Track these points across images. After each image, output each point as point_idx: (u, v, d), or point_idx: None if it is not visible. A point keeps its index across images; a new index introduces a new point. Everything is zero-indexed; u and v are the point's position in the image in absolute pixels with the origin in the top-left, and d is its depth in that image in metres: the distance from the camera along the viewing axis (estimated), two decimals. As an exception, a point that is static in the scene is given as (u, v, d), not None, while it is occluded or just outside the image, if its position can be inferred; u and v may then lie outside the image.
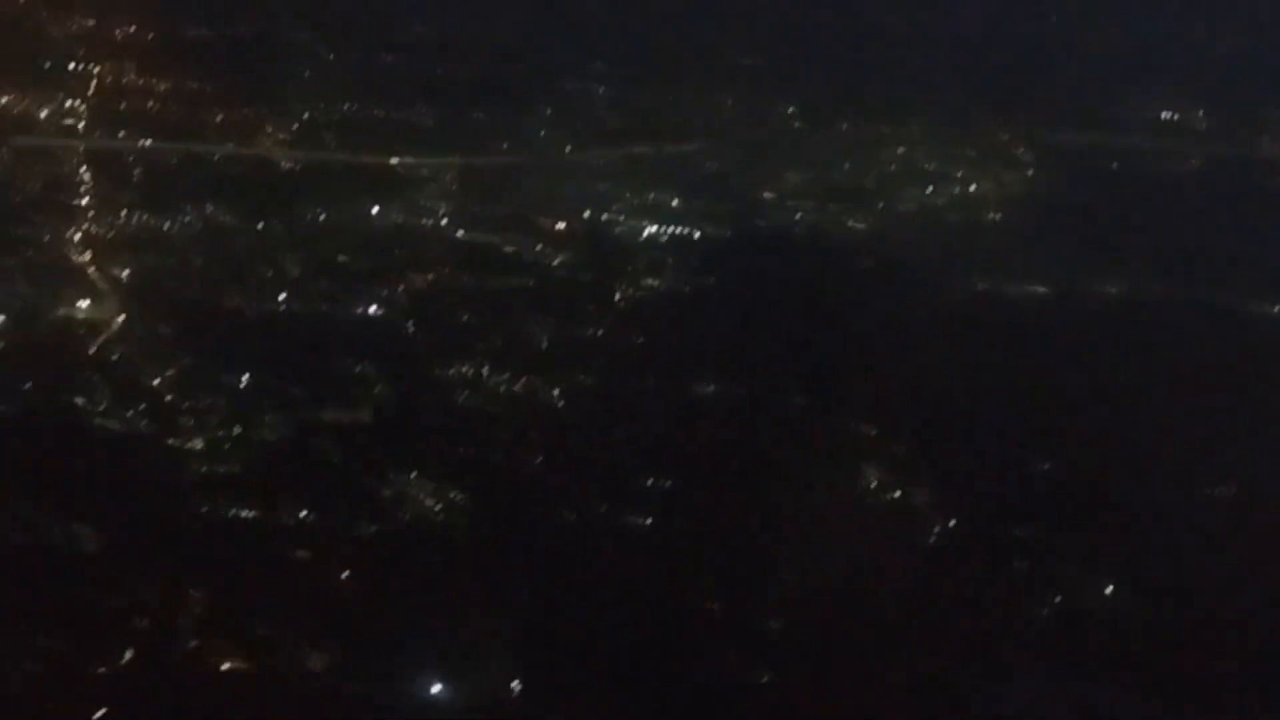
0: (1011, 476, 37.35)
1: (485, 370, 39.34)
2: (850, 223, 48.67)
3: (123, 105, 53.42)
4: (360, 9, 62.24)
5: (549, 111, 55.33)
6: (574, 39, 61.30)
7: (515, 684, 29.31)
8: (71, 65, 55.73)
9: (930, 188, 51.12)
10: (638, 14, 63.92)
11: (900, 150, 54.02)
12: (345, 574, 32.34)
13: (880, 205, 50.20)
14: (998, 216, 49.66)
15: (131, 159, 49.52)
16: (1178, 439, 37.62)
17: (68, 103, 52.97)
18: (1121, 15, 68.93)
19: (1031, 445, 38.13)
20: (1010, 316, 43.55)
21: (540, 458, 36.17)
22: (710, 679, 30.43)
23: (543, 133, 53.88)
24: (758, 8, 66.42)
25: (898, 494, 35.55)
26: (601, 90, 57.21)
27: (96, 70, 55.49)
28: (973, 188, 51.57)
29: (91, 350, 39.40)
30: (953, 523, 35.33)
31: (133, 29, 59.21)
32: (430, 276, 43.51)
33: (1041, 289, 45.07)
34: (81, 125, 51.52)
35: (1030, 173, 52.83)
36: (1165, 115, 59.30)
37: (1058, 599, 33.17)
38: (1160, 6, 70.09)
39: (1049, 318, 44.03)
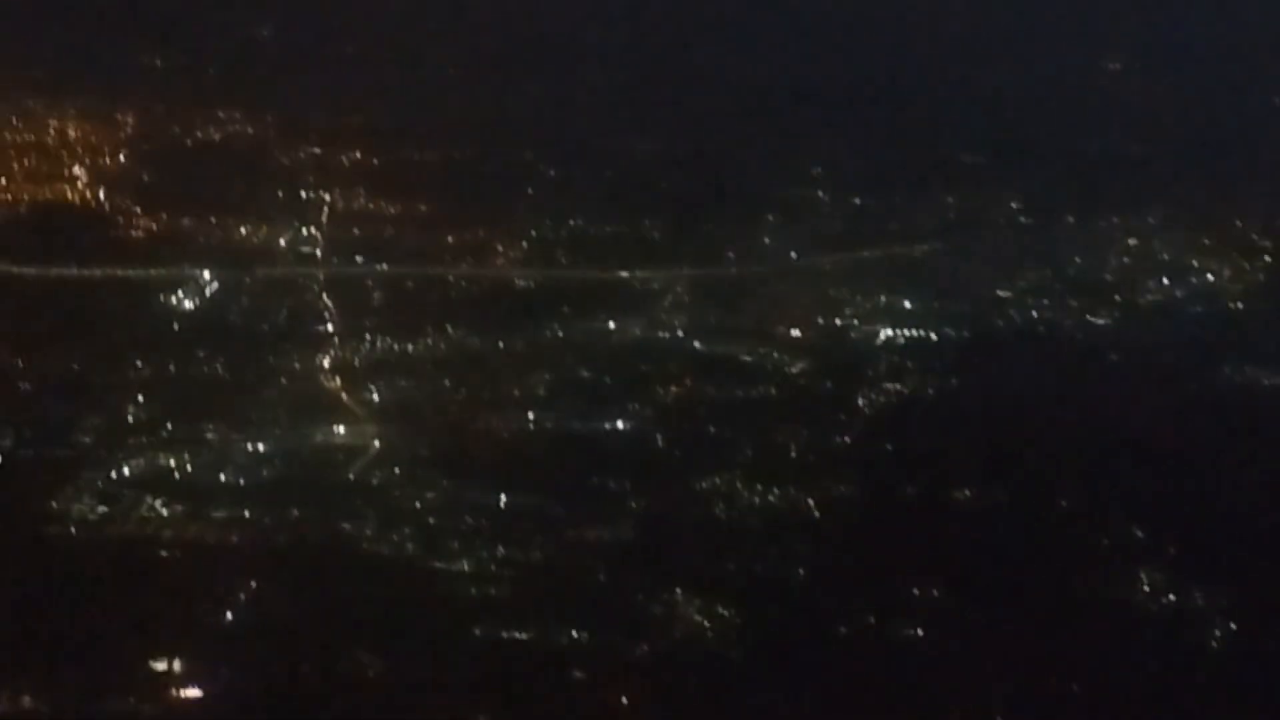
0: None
1: (739, 482, 38.37)
2: (1091, 318, 47.54)
3: (356, 231, 53.83)
4: (583, 127, 61.73)
5: (773, 219, 54.71)
6: (793, 146, 60.59)
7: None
8: (303, 194, 56.58)
9: (1168, 279, 49.86)
10: (854, 118, 63.12)
11: (1133, 242, 53.20)
12: (623, 696, 31.37)
13: (1119, 299, 49.08)
14: (1241, 306, 48.69)
15: (370, 284, 49.52)
16: None
17: (303, 231, 53.40)
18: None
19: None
20: (1269, 408, 41.82)
21: (803, 570, 35.38)
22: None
23: (768, 240, 53.62)
24: (975, 102, 64.83)
25: (1172, 597, 33.86)
26: (823, 195, 56.77)
27: (328, 198, 56.06)
28: (1211, 277, 50.39)
29: (352, 475, 38.57)
30: (1233, 625, 33.32)
31: (358, 154, 59.97)
32: (674, 389, 43.33)
33: (1295, 378, 43.14)
34: (319, 253, 52.05)
35: (1269, 259, 51.33)
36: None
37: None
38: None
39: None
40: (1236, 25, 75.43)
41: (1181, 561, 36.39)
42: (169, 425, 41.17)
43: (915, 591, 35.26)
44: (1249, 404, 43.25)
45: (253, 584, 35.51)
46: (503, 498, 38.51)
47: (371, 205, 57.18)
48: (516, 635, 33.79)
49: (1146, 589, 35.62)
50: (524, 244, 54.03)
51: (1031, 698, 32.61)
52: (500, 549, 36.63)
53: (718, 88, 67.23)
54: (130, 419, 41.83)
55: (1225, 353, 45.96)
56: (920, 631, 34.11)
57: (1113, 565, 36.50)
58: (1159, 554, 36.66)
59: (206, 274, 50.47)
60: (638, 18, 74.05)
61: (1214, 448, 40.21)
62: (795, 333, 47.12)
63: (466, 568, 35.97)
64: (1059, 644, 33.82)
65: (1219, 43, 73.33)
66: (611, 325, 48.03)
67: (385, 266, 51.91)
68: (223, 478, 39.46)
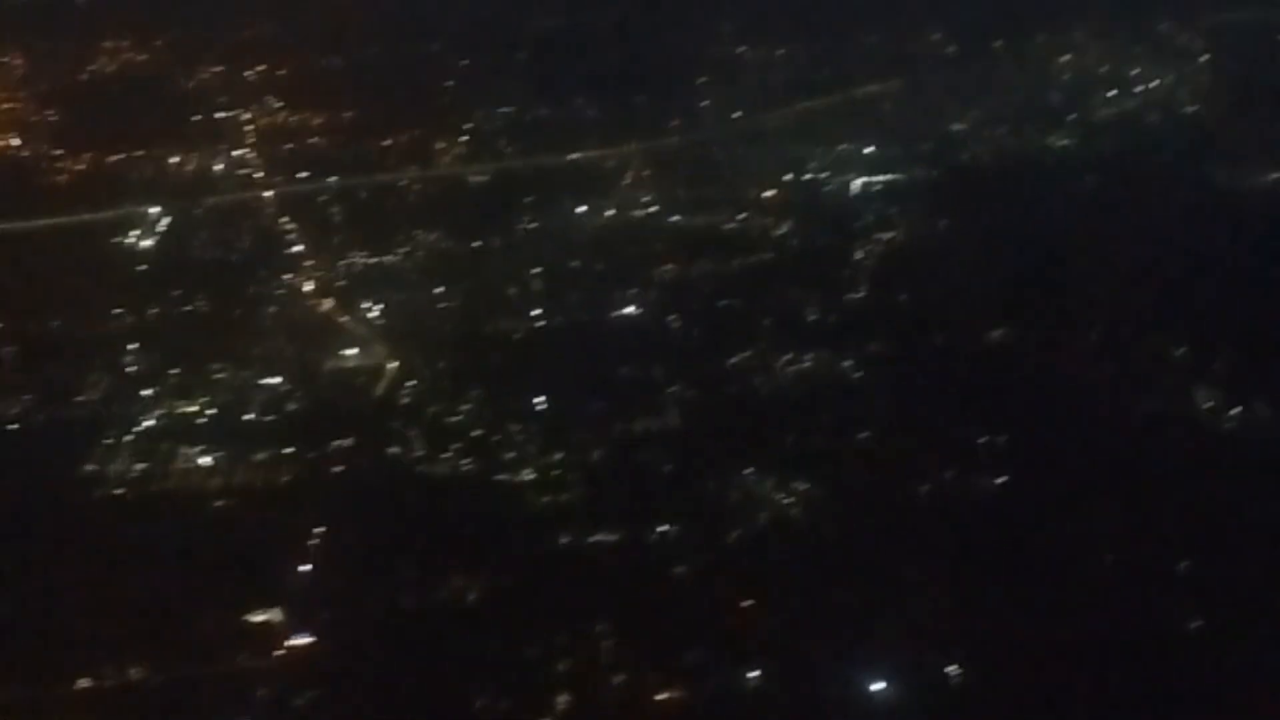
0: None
1: (767, 354, 37.80)
2: (1052, 141, 47.39)
3: (288, 146, 52.75)
4: (483, 11, 60.32)
5: (704, 82, 53.82)
6: (701, 5, 59.18)
7: (953, 669, 28.05)
8: (218, 115, 54.41)
9: (1114, 91, 49.87)
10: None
11: (1066, 59, 52.69)
12: (730, 585, 30.97)
13: (1073, 118, 48.82)
14: (1195, 109, 48.34)
15: (324, 199, 48.04)
16: None
17: (234, 153, 51.85)
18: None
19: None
20: (1262, 207, 41.93)
21: (864, 433, 34.99)
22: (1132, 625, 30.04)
23: (705, 103, 52.77)
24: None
25: (1238, 409, 33.94)
26: (746, 51, 55.93)
27: (245, 116, 54.35)
28: (1155, 84, 50.29)
29: (379, 396, 37.69)
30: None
31: (262, 68, 58.05)
32: (670, 267, 43.05)
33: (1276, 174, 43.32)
34: (259, 175, 50.60)
35: (1206, 59, 51.43)
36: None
37: None
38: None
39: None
40: None
41: (1235, 375, 35.36)
42: (174, 371, 39.97)
43: (981, 441, 34.52)
44: (1240, 205, 43.14)
45: (322, 524, 33.50)
46: (539, 401, 37.15)
47: (294, 118, 56.06)
48: (604, 539, 32.96)
49: (1209, 405, 34.47)
50: (463, 139, 52.98)
51: (1125, 525, 31.75)
52: (557, 453, 35.42)
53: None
54: (132, 370, 39.92)
55: (1199, 158, 45.97)
56: (999, 480, 32.99)
57: (1167, 387, 35.61)
58: (1209, 371, 35.77)
59: (155, 210, 48.11)
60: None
61: (1225, 256, 39.97)
62: (768, 194, 46.54)
63: (531, 477, 34.77)
64: (1140, 471, 33.26)
65: None
66: (582, 211, 46.43)
67: (335, 179, 49.73)
68: (249, 417, 38.36)
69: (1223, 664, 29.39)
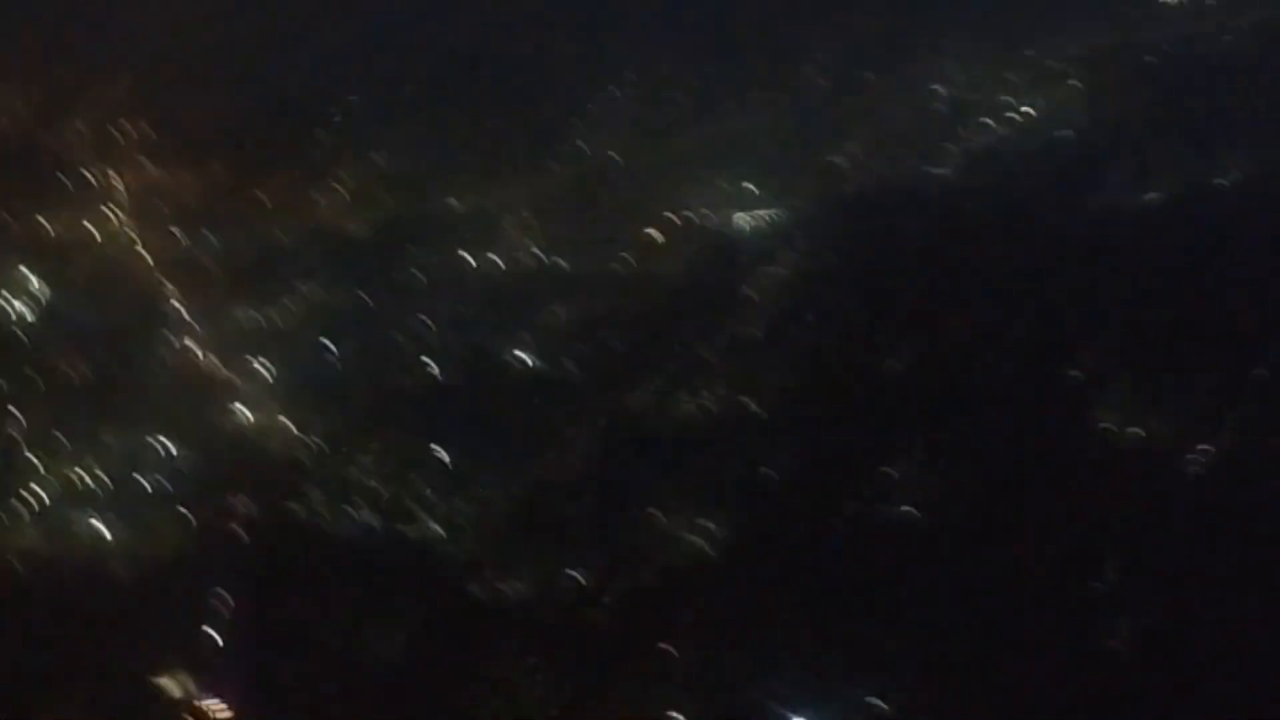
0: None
1: (668, 393, 37.62)
2: (931, 169, 47.45)
3: (161, 204, 51.43)
4: (342, 61, 59.41)
5: (578, 122, 53.32)
6: (564, 45, 59.06)
7: (876, 700, 28.05)
8: (86, 174, 53.26)
9: (989, 119, 49.98)
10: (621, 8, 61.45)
11: (939, 88, 52.69)
12: (648, 627, 31.10)
13: (950, 147, 48.80)
14: (1068, 135, 48.67)
15: (202, 256, 47.10)
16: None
17: (106, 213, 50.63)
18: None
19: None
20: (1143, 224, 42.74)
21: (771, 469, 35.26)
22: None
23: (582, 144, 52.26)
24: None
25: (1140, 431, 34.21)
26: (617, 90, 55.54)
27: (114, 175, 53.31)
28: (1029, 111, 50.54)
29: (275, 454, 37.14)
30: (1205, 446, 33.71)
31: (127, 125, 56.79)
32: (562, 311, 42.19)
33: (1155, 194, 43.71)
34: (134, 233, 49.32)
35: (1076, 83, 51.75)
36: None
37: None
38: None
39: (1179, 217, 42.77)
40: None
41: (1131, 395, 35.86)
42: (58, 435, 38.69)
43: (890, 471, 34.29)
44: (1121, 229, 43.19)
45: (229, 586, 32.83)
46: (440, 450, 36.51)
47: (164, 175, 54.71)
48: (518, 587, 32.41)
49: (1109, 426, 34.79)
50: (339, 189, 51.93)
51: (1039, 548, 32.07)
52: (463, 504, 34.96)
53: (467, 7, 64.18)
54: (14, 434, 38.75)
55: (1078, 183, 45.53)
56: (911, 509, 32.97)
57: (1068, 409, 35.97)
58: (1107, 392, 36.45)
59: (27, 272, 47.12)
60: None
61: (1109, 278, 39.93)
62: (652, 232, 46.16)
63: (439, 530, 34.32)
64: (1050, 492, 33.59)
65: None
66: (468, 257, 45.99)
67: (212, 235, 48.97)
68: (142, 480, 37.33)
69: (1151, 680, 29.04)
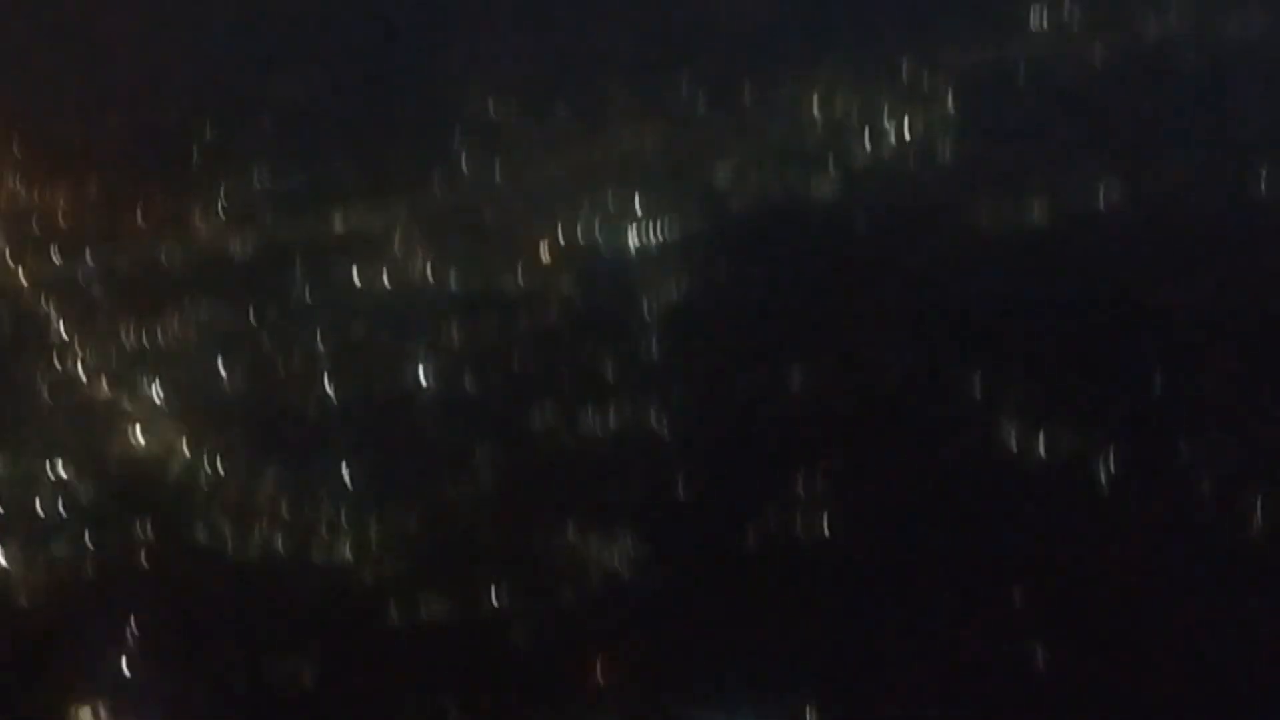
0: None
1: (569, 412, 37.50)
2: (815, 189, 47.71)
3: (34, 223, 50.01)
4: (215, 76, 58.49)
5: (461, 141, 52.82)
6: (436, 62, 58.33)
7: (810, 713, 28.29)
8: (-53, 194, 52.01)
9: (867, 138, 50.40)
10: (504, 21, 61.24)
11: (812, 108, 53.01)
12: (572, 650, 30.87)
13: (832, 165, 49.07)
14: (948, 153, 49.11)
15: (81, 277, 46.18)
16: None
17: (-23, 233, 49.21)
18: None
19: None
20: (1028, 243, 43.30)
21: (681, 488, 34.95)
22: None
23: (463, 162, 51.52)
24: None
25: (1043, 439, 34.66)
26: (497, 108, 55.15)
27: (-21, 194, 51.66)
28: (907, 128, 50.93)
29: (174, 480, 36.61)
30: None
31: (-9, 143, 55.38)
32: (456, 331, 41.89)
33: (1045, 202, 44.44)
34: (6, 253, 48.11)
35: (949, 101, 52.24)
36: (1032, 17, 58.51)
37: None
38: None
39: (1062, 237, 43.38)
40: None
41: (1031, 406, 36.20)
42: (-59, 462, 37.60)
43: (799, 488, 34.36)
44: (1009, 244, 43.58)
45: (137, 616, 32.25)
46: (344, 473, 36.23)
47: (34, 193, 53.27)
48: (436, 610, 32.26)
49: (1015, 436, 35.18)
50: (219, 209, 50.91)
51: (953, 561, 32.18)
52: (372, 527, 34.68)
53: (346, 16, 63.39)
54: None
55: (961, 200, 45.85)
56: (823, 522, 33.22)
57: (971, 422, 36.10)
58: (1008, 404, 36.60)
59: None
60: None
61: (1002, 293, 40.40)
62: (543, 253, 45.93)
63: (349, 553, 33.90)
64: (961, 505, 33.73)
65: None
66: (355, 278, 45.55)
67: (90, 257, 48.03)
68: (39, 508, 36.42)
69: (1069, 692, 29.40)
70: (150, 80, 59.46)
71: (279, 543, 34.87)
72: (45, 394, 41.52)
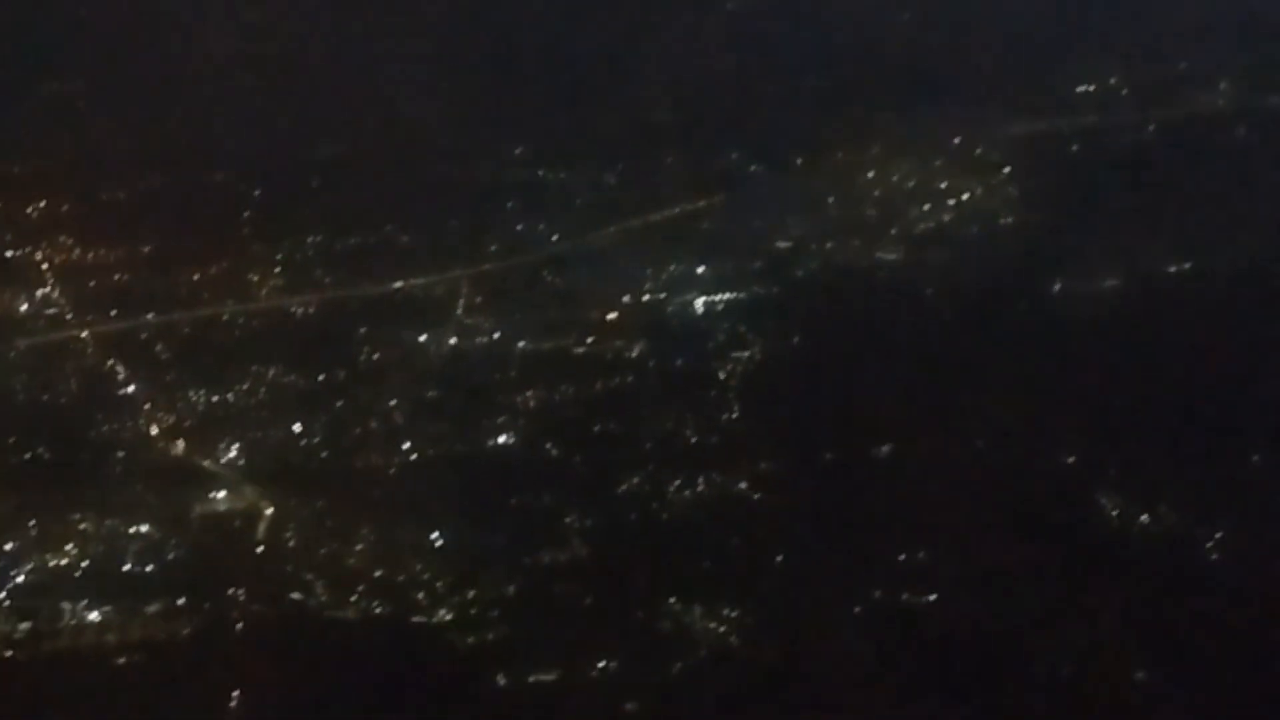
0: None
1: (656, 477, 37.23)
2: (880, 255, 47.77)
3: (91, 284, 50.15)
4: (261, 139, 58.49)
5: (513, 205, 52.80)
6: (489, 127, 58.45)
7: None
8: (8, 254, 51.96)
9: (927, 205, 50.64)
10: (539, 91, 61.23)
11: (869, 175, 53.16)
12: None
13: (894, 232, 49.32)
14: (1011, 220, 49.26)
15: (145, 336, 46.15)
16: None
17: (35, 293, 49.33)
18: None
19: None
20: (1103, 315, 43.05)
21: (780, 555, 34.66)
22: None
23: (519, 228, 51.49)
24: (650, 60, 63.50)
25: (1145, 519, 34.52)
26: (546, 175, 55.18)
27: (36, 254, 51.59)
28: (966, 196, 51.15)
29: (261, 540, 36.29)
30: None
31: (43, 203, 55.39)
32: (532, 394, 41.70)
33: (1112, 281, 44.39)
34: (69, 315, 47.99)
35: (1007, 170, 52.36)
36: (1081, 89, 58.89)
37: None
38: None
39: (1139, 303, 43.55)
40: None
41: (1131, 481, 35.94)
42: (31, 523, 37.21)
43: (901, 557, 34.29)
44: (1085, 313, 43.68)
45: (239, 677, 31.93)
46: (434, 537, 35.96)
47: (89, 254, 53.50)
48: (544, 678, 31.98)
49: (1116, 513, 34.89)
50: (276, 270, 50.93)
51: (1069, 636, 31.90)
52: (469, 591, 34.39)
53: (391, 80, 63.56)
54: (-20, 526, 37.35)
55: (1031, 269, 46.24)
56: (932, 598, 32.87)
57: (1068, 494, 35.92)
58: (1105, 477, 36.38)
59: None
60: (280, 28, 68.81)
61: (1084, 362, 40.51)
62: (611, 316, 45.91)
63: (449, 617, 33.65)
64: (1070, 580, 33.83)
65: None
66: (423, 340, 45.31)
67: (153, 316, 47.76)
68: (128, 568, 36.09)
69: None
70: (187, 143, 59.21)
71: (377, 605, 34.22)
72: (121, 454, 40.95)
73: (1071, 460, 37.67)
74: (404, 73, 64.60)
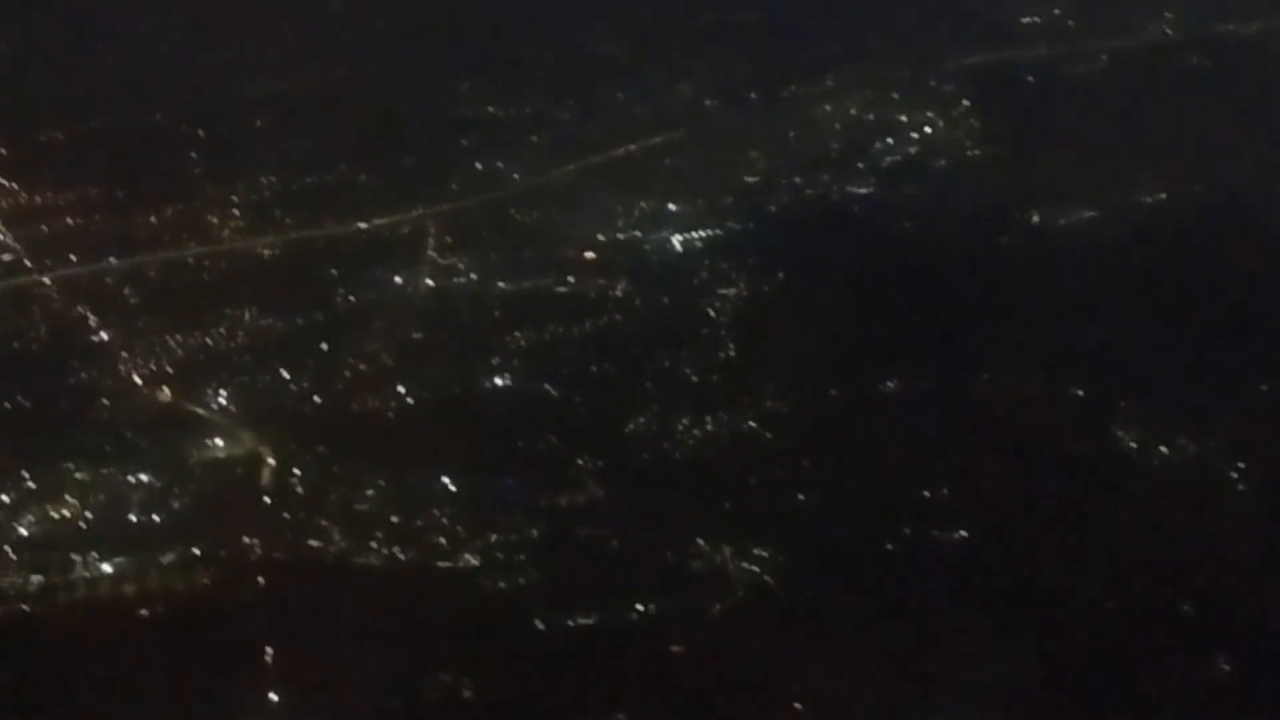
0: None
1: (664, 419, 36.98)
2: (851, 189, 47.45)
3: (44, 228, 48.61)
4: (207, 78, 57.19)
5: (468, 143, 51.88)
6: (440, 67, 57.31)
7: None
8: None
9: (890, 139, 50.46)
10: (488, 31, 60.20)
11: (827, 108, 52.84)
12: (735, 661, 30.61)
13: (861, 166, 48.99)
14: (978, 153, 49.19)
15: (110, 282, 44.84)
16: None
17: (-8, 238, 47.51)
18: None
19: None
20: (1078, 246, 42.96)
21: (802, 493, 34.28)
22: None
23: (479, 166, 50.75)
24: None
25: (1164, 449, 34.57)
26: (498, 110, 54.49)
27: (-14, 200, 49.86)
28: (928, 130, 50.97)
29: (268, 487, 35.50)
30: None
31: (-15, 150, 53.51)
32: (522, 334, 41.08)
33: (1090, 212, 44.43)
34: (26, 260, 46.42)
35: (966, 103, 52.35)
36: (1026, 20, 58.88)
37: None
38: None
39: (1123, 236, 43.50)
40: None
41: (1144, 412, 36.15)
42: (24, 474, 36.28)
43: (926, 494, 34.10)
44: (1067, 243, 43.61)
45: (270, 624, 31.33)
46: (446, 481, 35.37)
47: (36, 198, 51.73)
48: (582, 621, 31.58)
49: (1133, 445, 34.89)
50: (235, 211, 49.64)
51: (1101, 569, 32.24)
52: (492, 535, 33.81)
53: (328, 17, 62.43)
54: (-25, 476, 36.30)
55: (1005, 202, 46.17)
56: (960, 534, 32.81)
57: (1082, 427, 35.98)
58: (1116, 410, 36.64)
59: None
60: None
61: (1074, 292, 40.71)
62: (588, 255, 45.26)
63: (476, 562, 33.12)
64: (1095, 513, 33.96)
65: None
66: (398, 280, 44.51)
67: (115, 260, 46.52)
68: (133, 518, 35.19)
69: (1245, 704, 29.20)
70: (122, 84, 57.59)
71: (400, 551, 33.54)
72: (103, 399, 39.86)
73: (1081, 393, 36.56)
74: (340, 8, 62.98)
